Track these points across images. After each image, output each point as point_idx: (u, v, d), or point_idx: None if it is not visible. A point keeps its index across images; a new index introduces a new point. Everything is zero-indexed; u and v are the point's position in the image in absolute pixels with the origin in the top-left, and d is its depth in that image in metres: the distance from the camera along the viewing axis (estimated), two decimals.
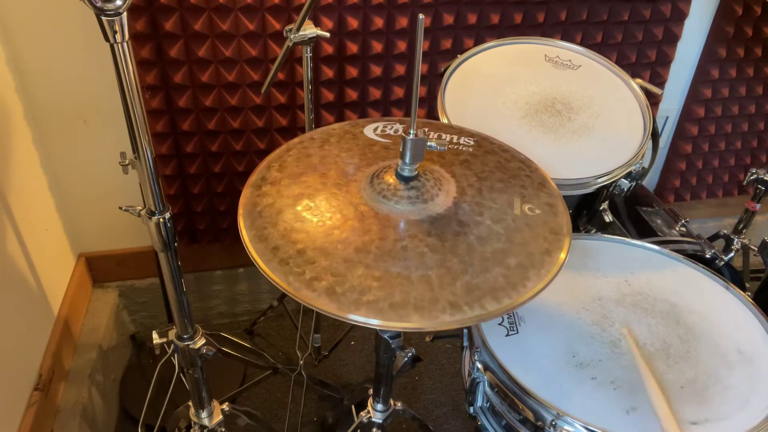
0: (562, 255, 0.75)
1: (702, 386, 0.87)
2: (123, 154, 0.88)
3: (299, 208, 0.78)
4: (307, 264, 0.71)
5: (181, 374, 1.18)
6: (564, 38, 1.55)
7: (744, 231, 1.57)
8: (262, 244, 0.73)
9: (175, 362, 1.09)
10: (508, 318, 0.97)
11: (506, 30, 1.51)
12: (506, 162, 0.90)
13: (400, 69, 1.51)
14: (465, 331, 1.00)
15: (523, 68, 1.23)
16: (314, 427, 1.56)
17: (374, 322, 0.66)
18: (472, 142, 0.94)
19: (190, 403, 1.15)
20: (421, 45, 0.70)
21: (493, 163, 0.90)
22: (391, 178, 0.80)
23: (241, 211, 0.78)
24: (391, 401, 1.10)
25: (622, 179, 1.08)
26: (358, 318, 0.66)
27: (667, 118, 1.85)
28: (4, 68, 1.26)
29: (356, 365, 1.73)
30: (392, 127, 0.96)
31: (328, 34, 1.19)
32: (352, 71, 1.49)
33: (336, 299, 0.68)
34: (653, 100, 1.71)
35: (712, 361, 0.91)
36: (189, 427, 1.18)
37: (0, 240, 1.19)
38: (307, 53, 1.17)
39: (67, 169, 1.47)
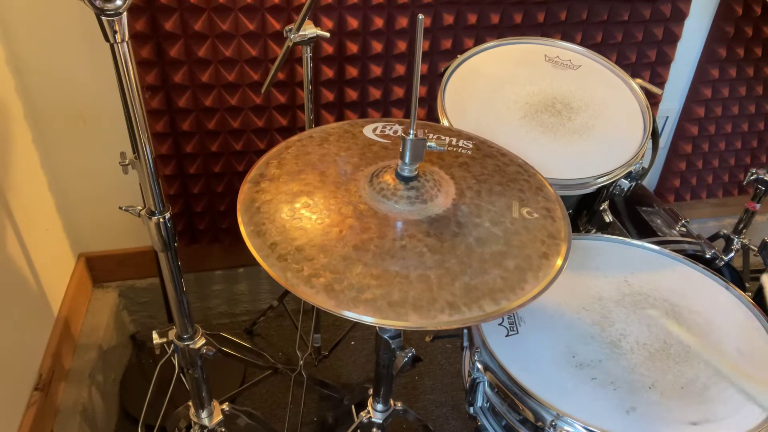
0: (559, 261, 0.75)
1: (702, 386, 0.87)
2: (123, 154, 0.88)
3: (298, 205, 0.78)
4: (305, 261, 0.71)
5: (181, 374, 1.18)
6: (564, 38, 1.55)
7: (744, 231, 1.57)
8: (261, 239, 0.74)
9: (175, 362, 1.09)
10: (508, 318, 0.97)
11: (506, 30, 1.51)
12: (504, 166, 0.90)
13: (400, 69, 1.51)
14: (465, 331, 1.00)
15: (523, 68, 1.23)
16: (314, 427, 1.56)
17: (372, 320, 0.66)
18: (470, 145, 0.94)
19: (190, 403, 1.15)
20: (421, 45, 0.70)
21: (492, 167, 0.90)
22: (390, 178, 0.80)
23: (239, 206, 0.78)
24: (391, 401, 1.10)
25: (622, 179, 1.08)
26: (355, 316, 0.66)
27: (667, 118, 1.85)
28: (4, 68, 1.26)
29: (356, 365, 1.73)
30: (391, 127, 0.96)
31: (328, 34, 1.19)
32: (352, 71, 1.49)
33: (334, 296, 0.68)
34: (653, 100, 1.71)
35: (712, 361, 0.91)
36: (189, 427, 1.18)
37: (0, 240, 1.19)
38: (307, 53, 1.17)
39: (67, 169, 1.47)
